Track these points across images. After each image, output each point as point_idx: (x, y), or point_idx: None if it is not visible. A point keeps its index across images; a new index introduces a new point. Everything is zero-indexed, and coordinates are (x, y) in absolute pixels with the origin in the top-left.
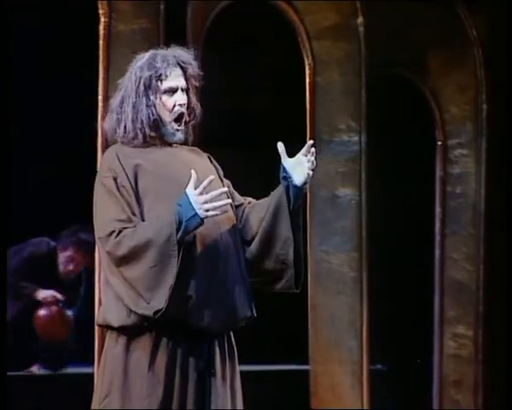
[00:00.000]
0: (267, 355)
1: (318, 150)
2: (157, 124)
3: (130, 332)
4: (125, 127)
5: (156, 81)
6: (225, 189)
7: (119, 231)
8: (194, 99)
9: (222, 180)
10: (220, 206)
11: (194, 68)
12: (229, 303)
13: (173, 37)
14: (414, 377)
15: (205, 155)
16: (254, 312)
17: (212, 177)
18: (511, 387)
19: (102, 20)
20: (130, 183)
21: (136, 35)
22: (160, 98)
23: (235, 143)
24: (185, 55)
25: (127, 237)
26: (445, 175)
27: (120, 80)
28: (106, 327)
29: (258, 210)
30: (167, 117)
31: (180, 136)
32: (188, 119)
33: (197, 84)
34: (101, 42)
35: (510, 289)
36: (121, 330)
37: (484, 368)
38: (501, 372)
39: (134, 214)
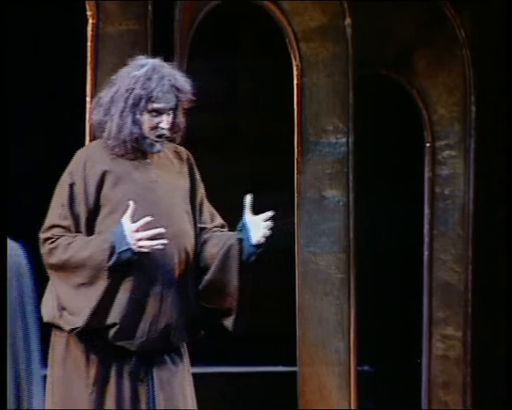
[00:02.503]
0: (254, 357)
1: (305, 152)
2: (138, 139)
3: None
4: (109, 133)
5: (146, 103)
6: (148, 219)
7: (56, 239)
8: (180, 117)
9: (196, 191)
10: (156, 245)
11: (187, 94)
12: (162, 327)
13: (161, 38)
14: (402, 378)
15: (185, 162)
16: (200, 333)
17: (148, 218)
18: (500, 388)
19: (90, 21)
20: (86, 195)
21: (123, 36)
22: (146, 115)
23: (221, 143)
24: (181, 80)
25: (60, 248)
26: (433, 176)
27: (114, 76)
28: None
29: (214, 244)
30: (149, 133)
31: (158, 147)
32: (169, 135)
33: (187, 106)
34: (88, 43)
35: (499, 291)
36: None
37: (472, 369)
38: (490, 374)
39: (78, 225)
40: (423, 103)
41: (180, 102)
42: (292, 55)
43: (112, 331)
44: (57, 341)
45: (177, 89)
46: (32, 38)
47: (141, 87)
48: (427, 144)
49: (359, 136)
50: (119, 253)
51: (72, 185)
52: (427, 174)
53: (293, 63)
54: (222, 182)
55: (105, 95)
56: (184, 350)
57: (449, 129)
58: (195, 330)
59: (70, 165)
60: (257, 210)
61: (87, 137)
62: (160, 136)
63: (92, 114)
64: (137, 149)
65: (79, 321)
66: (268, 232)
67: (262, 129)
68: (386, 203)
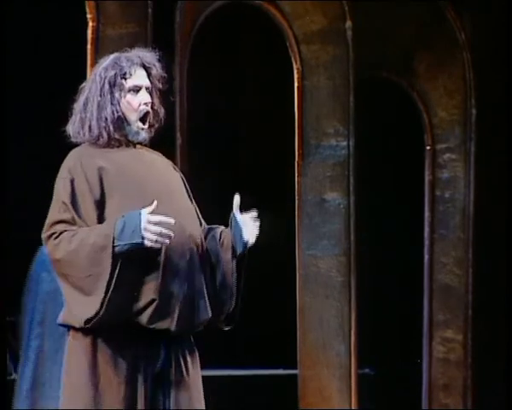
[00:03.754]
0: (255, 359)
1: (306, 154)
2: (121, 122)
3: (93, 330)
4: (89, 127)
5: (121, 79)
6: (172, 221)
7: (60, 233)
8: (157, 102)
9: (186, 188)
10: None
11: (157, 70)
12: (188, 308)
13: (161, 41)
14: (402, 381)
15: (167, 161)
16: (210, 313)
17: (166, 218)
18: (501, 391)
19: (90, 24)
20: (89, 187)
21: (123, 39)
22: (125, 97)
23: (221, 146)
24: (149, 55)
25: (65, 241)
26: (433, 179)
27: (83, 84)
28: (68, 326)
29: (210, 238)
30: (133, 116)
31: (144, 135)
32: (151, 120)
33: (160, 86)
34: (89, 46)
35: (500, 293)
36: (83, 329)
37: (473, 372)
38: (490, 376)
39: (81, 218)
40: (424, 106)
41: (153, 80)
42: (292, 58)
43: (148, 311)
44: (77, 345)
45: (147, 63)
46: (32, 38)
47: (112, 69)
48: (428, 147)
49: (360, 139)
50: (132, 243)
51: (72, 181)
52: (427, 177)
53: (294, 66)
54: (221, 185)
55: (78, 101)
56: (194, 348)
57: (449, 132)
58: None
59: (66, 164)
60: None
61: None
62: (144, 116)
63: (68, 127)
64: (123, 138)
65: (89, 312)
66: (257, 231)
67: (262, 132)
68: (387, 206)
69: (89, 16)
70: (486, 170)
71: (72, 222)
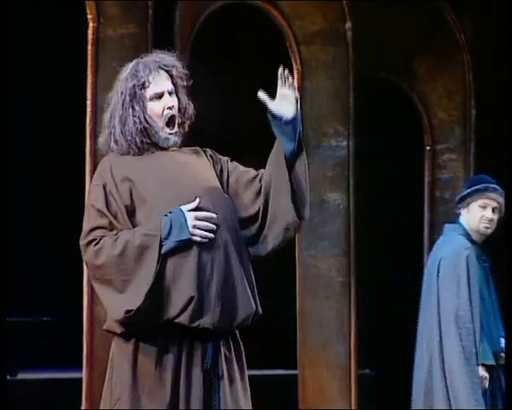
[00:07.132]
0: (255, 360)
1: (306, 155)
2: (147, 132)
3: (136, 335)
4: (116, 141)
5: (140, 90)
6: (214, 215)
7: (100, 239)
8: (184, 99)
9: (219, 163)
10: (207, 235)
11: (178, 69)
12: (229, 302)
13: (161, 42)
14: (402, 381)
15: (197, 152)
16: (259, 309)
17: (208, 214)
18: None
19: (91, 24)
20: (119, 194)
21: (124, 40)
22: (148, 106)
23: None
24: (168, 58)
25: (108, 246)
26: (433, 180)
27: (110, 94)
28: (110, 332)
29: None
30: (159, 123)
31: (175, 139)
32: (180, 120)
33: (185, 83)
34: (89, 47)
35: (500, 295)
36: (126, 334)
37: None
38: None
39: (118, 221)
40: (423, 107)
41: (176, 80)
42: (292, 59)
43: (189, 310)
44: (119, 352)
45: (166, 65)
46: (32, 38)
47: (130, 80)
48: (428, 148)
49: (359, 139)
50: (178, 241)
51: (104, 186)
52: (427, 178)
53: (294, 67)
54: None
55: (106, 113)
56: (241, 344)
57: (449, 133)
58: (257, 306)
59: (97, 170)
60: None
61: (87, 137)
62: (170, 120)
63: (99, 140)
64: (154, 146)
65: (133, 304)
66: (295, 95)
67: (262, 133)
68: (387, 207)
69: (89, 17)
70: (486, 170)
71: (109, 227)
